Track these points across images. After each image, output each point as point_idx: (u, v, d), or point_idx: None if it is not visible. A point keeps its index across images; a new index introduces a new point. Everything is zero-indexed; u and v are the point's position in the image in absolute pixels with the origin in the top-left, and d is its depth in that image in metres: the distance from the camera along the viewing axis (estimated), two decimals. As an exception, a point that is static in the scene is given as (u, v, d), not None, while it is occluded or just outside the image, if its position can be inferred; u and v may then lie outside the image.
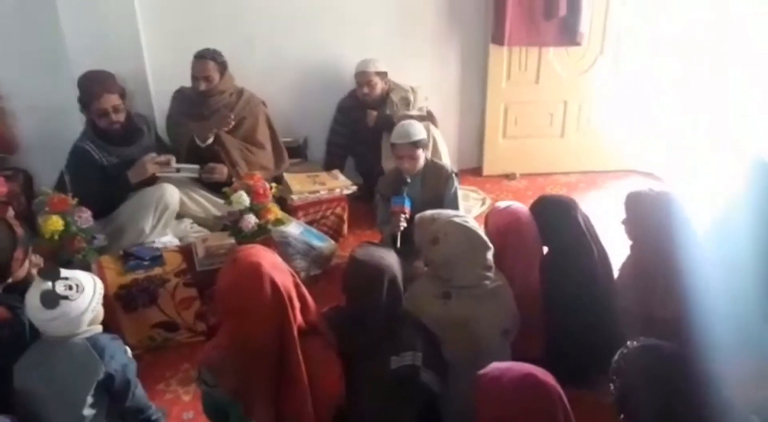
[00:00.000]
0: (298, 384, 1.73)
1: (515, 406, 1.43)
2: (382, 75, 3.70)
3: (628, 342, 1.71)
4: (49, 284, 1.81)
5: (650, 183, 3.77)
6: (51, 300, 1.75)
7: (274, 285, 1.69)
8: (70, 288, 1.84)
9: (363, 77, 3.67)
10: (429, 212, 2.28)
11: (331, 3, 3.79)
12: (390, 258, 1.97)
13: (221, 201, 3.16)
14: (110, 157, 3.06)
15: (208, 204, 3.32)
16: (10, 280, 1.99)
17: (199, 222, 3.29)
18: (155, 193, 3.04)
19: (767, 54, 3.36)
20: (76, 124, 3.36)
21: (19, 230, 2.01)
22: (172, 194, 3.07)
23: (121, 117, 3.02)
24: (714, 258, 2.25)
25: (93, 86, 2.98)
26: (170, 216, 3.11)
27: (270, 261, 1.74)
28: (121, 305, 2.62)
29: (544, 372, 1.49)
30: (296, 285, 1.78)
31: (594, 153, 4.28)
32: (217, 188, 3.26)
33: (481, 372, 1.53)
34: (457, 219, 2.11)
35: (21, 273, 2.00)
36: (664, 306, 2.22)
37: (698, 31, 3.90)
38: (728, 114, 3.77)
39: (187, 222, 3.26)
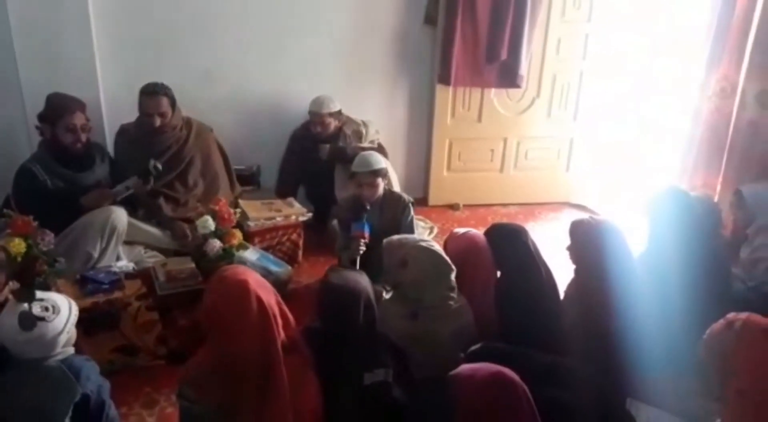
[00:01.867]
0: (282, 399, 1.78)
1: (490, 399, 1.57)
2: (335, 114, 3.84)
3: None
4: (25, 306, 1.82)
5: (582, 214, 4.08)
6: (28, 321, 1.76)
7: (260, 302, 1.76)
8: (46, 309, 1.86)
9: (316, 117, 3.80)
10: (396, 237, 2.43)
11: (286, 39, 3.94)
12: (363, 281, 2.07)
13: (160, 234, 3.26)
14: (56, 180, 3.02)
15: (153, 231, 3.32)
16: None
17: (152, 247, 3.29)
18: (102, 215, 2.99)
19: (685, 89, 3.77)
20: (23, 151, 3.33)
21: (0, 254, 2.00)
22: (119, 216, 3.03)
23: (84, 138, 3.03)
24: (646, 280, 2.51)
25: (67, 102, 3.00)
26: (119, 239, 3.06)
27: (255, 279, 1.82)
28: (81, 329, 2.59)
29: (509, 370, 1.65)
30: (278, 303, 1.86)
31: (531, 186, 4.58)
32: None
33: (452, 372, 1.66)
34: (423, 243, 2.26)
35: (1, 298, 1.97)
36: (602, 323, 2.44)
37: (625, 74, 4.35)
38: (653, 147, 4.18)
39: (139, 248, 3.26)
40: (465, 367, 1.70)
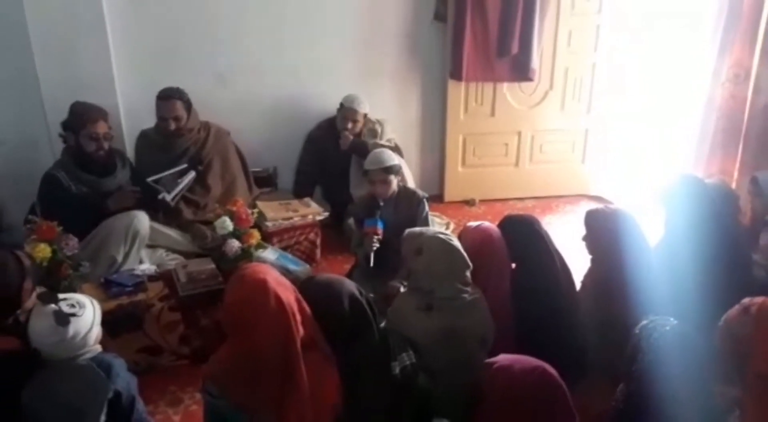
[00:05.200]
0: (301, 394, 1.80)
1: (528, 390, 1.58)
2: (364, 116, 3.90)
3: (644, 323, 1.87)
4: (53, 306, 1.88)
5: (599, 205, 4.07)
6: (63, 318, 1.82)
7: (278, 300, 1.79)
8: (73, 306, 1.91)
9: (351, 113, 3.85)
10: (417, 228, 2.45)
11: (299, 41, 3.98)
12: (347, 280, 2.07)
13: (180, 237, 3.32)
14: (80, 186, 3.09)
15: (174, 234, 3.38)
16: (19, 311, 1.99)
17: (173, 250, 3.36)
18: (125, 220, 3.06)
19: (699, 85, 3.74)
20: (46, 158, 3.41)
21: (26, 261, 2.05)
22: (141, 220, 3.10)
23: (107, 145, 3.10)
24: (663, 269, 2.50)
25: (90, 111, 3.07)
26: (141, 243, 3.13)
27: (274, 277, 1.85)
28: (106, 331, 2.66)
29: (548, 365, 1.65)
30: (297, 301, 1.88)
31: (546, 179, 4.58)
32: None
33: (489, 360, 1.68)
34: (441, 235, 2.28)
35: (29, 304, 2.00)
36: (620, 312, 2.44)
37: (637, 65, 4.33)
38: (667, 138, 4.15)
39: (161, 251, 3.33)
40: (503, 357, 1.71)
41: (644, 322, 1.98)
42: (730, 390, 1.96)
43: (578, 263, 2.65)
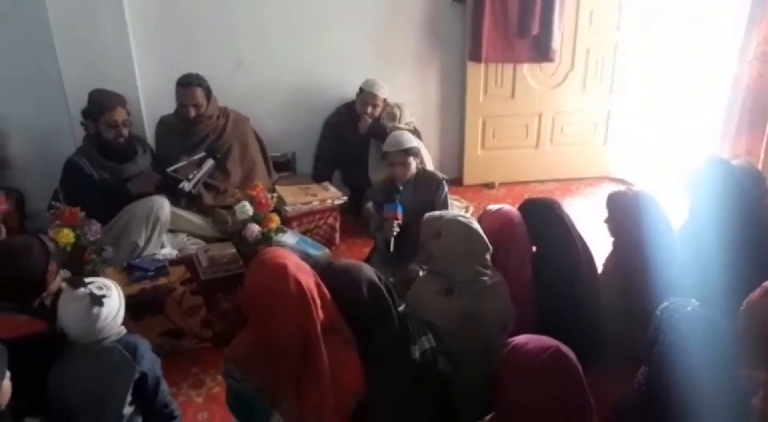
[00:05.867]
0: (322, 378, 1.81)
1: (539, 371, 1.57)
2: (384, 100, 3.89)
3: (665, 304, 1.84)
4: (83, 289, 1.91)
5: (621, 187, 4.02)
6: (97, 299, 1.85)
7: (298, 284, 1.78)
8: (101, 288, 1.94)
9: (371, 98, 3.83)
10: (436, 212, 2.45)
11: (317, 25, 3.96)
12: (365, 265, 2.05)
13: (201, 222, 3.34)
14: (102, 172, 3.13)
15: (195, 219, 3.41)
16: (44, 294, 2.04)
17: (194, 234, 3.38)
18: (146, 206, 3.09)
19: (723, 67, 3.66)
20: (68, 145, 3.44)
21: (50, 244, 2.09)
22: (162, 206, 3.13)
23: (126, 132, 3.13)
24: (686, 253, 2.47)
25: (107, 99, 3.10)
26: (162, 228, 3.16)
27: (294, 261, 1.85)
28: (129, 314, 2.70)
29: (565, 346, 1.64)
30: (317, 285, 1.88)
31: (567, 162, 4.52)
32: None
33: (509, 339, 1.67)
34: (460, 218, 2.27)
35: (54, 286, 2.06)
36: (642, 298, 2.41)
37: (659, 44, 4.23)
38: (692, 119, 4.06)
39: (182, 235, 3.36)
40: (520, 337, 1.70)
41: (665, 304, 1.96)
42: (757, 374, 1.94)
43: (600, 246, 2.62)
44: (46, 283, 2.04)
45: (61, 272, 2.15)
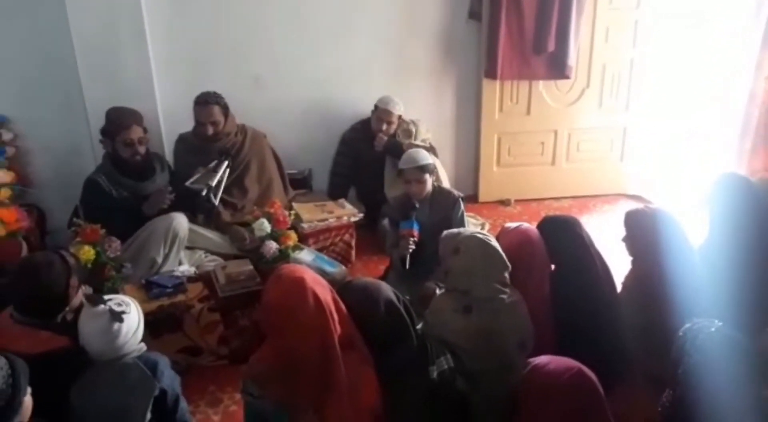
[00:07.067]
0: (340, 393, 1.81)
1: (560, 393, 1.56)
2: (399, 117, 3.92)
3: (688, 326, 1.84)
4: (103, 306, 1.93)
5: (639, 206, 3.99)
6: (117, 316, 1.87)
7: (316, 299, 1.79)
8: (120, 305, 1.96)
9: (386, 115, 3.86)
10: (455, 229, 2.45)
11: (333, 43, 4.01)
12: (383, 284, 2.05)
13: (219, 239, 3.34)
14: (121, 190, 3.15)
15: (213, 236, 3.42)
16: (67, 309, 2.07)
17: (211, 252, 3.40)
18: (165, 222, 3.11)
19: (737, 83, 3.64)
20: (88, 163, 3.50)
21: (71, 260, 2.12)
22: (180, 223, 3.14)
23: (143, 150, 3.15)
24: (706, 270, 2.44)
25: (123, 117, 3.13)
26: (180, 244, 3.17)
27: (311, 276, 1.86)
28: (148, 331, 2.71)
29: (585, 367, 1.62)
30: (335, 300, 1.89)
31: (583, 179, 4.51)
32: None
33: (529, 360, 1.65)
34: (479, 235, 2.26)
35: (76, 301, 2.08)
36: (663, 317, 2.38)
37: (675, 61, 4.22)
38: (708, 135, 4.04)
39: (200, 253, 3.37)
40: (541, 357, 1.69)
41: (688, 325, 1.93)
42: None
43: (618, 265, 2.60)
44: (68, 298, 2.06)
45: (83, 288, 2.17)
